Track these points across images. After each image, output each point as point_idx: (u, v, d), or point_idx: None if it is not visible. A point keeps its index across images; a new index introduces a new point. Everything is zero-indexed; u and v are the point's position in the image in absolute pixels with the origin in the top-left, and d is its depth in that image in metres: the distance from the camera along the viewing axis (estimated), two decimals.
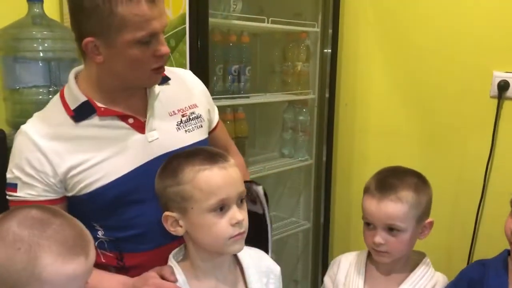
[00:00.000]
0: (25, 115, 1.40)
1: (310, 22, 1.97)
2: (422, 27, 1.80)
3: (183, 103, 1.14)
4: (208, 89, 1.26)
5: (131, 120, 1.04)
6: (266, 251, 1.14)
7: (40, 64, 1.43)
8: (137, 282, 0.97)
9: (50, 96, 1.42)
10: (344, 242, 2.20)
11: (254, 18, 1.74)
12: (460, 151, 1.78)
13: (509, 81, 1.63)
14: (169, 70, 1.15)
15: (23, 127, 1.02)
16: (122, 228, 1.05)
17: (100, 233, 1.06)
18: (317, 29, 1.99)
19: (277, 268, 1.08)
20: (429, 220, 1.16)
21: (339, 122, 2.12)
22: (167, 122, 1.09)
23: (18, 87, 1.43)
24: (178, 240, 1.02)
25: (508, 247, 1.11)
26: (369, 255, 1.22)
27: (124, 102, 1.04)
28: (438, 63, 1.78)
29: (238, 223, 0.92)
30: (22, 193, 0.99)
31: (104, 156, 1.01)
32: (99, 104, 1.02)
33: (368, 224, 1.15)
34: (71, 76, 1.06)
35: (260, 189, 1.14)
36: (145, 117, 1.06)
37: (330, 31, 1.98)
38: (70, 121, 1.01)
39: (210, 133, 1.22)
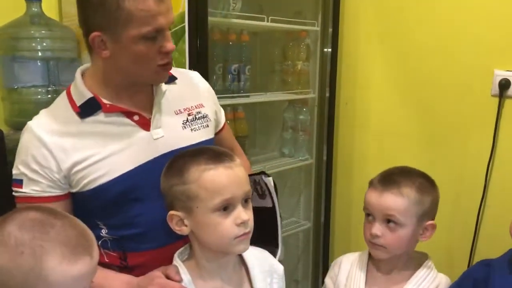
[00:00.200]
0: (23, 114, 1.42)
1: (310, 21, 1.97)
2: (423, 26, 1.80)
3: (189, 102, 1.15)
4: None
5: (136, 117, 1.05)
6: (276, 246, 1.14)
7: (39, 64, 1.42)
8: (141, 282, 0.97)
9: (49, 96, 1.43)
10: (344, 242, 2.19)
11: (253, 17, 1.74)
12: (461, 150, 1.77)
13: (510, 80, 1.62)
14: (176, 70, 1.16)
15: (29, 123, 1.03)
16: (126, 226, 1.05)
17: (103, 232, 1.06)
18: (317, 28, 1.98)
19: (280, 268, 1.09)
20: (431, 222, 1.15)
21: (339, 121, 2.11)
22: (172, 120, 1.10)
23: (16, 87, 1.42)
24: (182, 240, 1.02)
25: None
26: (370, 256, 1.21)
27: (130, 99, 1.05)
28: (439, 62, 1.77)
29: (243, 223, 0.92)
30: (27, 189, 1.00)
31: (109, 152, 1.02)
32: (105, 101, 1.03)
33: (368, 216, 1.16)
34: (78, 73, 1.07)
35: (270, 180, 1.13)
36: (151, 114, 1.07)
37: (330, 29, 1.98)
38: (76, 117, 1.02)
39: (216, 134, 1.23)
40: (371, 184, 1.17)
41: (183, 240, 1.02)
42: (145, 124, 1.06)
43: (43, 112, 1.05)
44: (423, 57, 1.81)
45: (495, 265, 1.09)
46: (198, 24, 1.45)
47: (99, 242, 1.05)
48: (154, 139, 1.06)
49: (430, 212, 1.15)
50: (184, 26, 1.44)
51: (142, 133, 1.05)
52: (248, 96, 1.83)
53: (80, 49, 1.54)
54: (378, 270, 1.19)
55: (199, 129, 1.14)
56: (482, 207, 1.73)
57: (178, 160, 0.96)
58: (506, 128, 1.66)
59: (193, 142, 1.10)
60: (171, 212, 0.95)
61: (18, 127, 1.41)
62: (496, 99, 1.66)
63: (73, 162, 0.99)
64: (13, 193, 1.02)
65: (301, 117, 2.07)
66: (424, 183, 1.14)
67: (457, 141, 1.78)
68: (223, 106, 1.32)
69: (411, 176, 1.15)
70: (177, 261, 0.99)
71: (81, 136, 1.01)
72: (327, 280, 1.28)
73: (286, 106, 2.12)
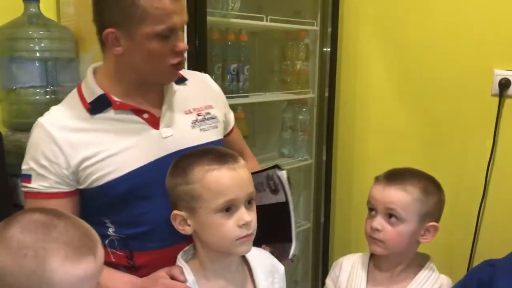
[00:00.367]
0: (22, 115, 1.41)
1: (309, 21, 1.96)
2: (422, 25, 1.79)
3: (199, 103, 1.15)
4: None
5: (146, 115, 1.06)
6: (290, 241, 1.13)
7: (37, 64, 1.42)
8: (146, 282, 0.97)
9: (47, 97, 1.42)
10: (344, 242, 2.19)
11: (252, 17, 1.73)
12: (461, 150, 1.77)
13: (510, 79, 1.62)
14: (187, 72, 1.18)
15: (40, 119, 1.03)
16: (132, 224, 1.05)
17: (110, 230, 1.06)
18: (316, 27, 1.98)
19: (281, 268, 1.09)
20: (433, 223, 1.14)
21: (339, 121, 2.11)
22: (182, 119, 1.11)
23: (14, 88, 1.42)
24: (187, 240, 1.02)
25: None
26: (371, 257, 1.21)
27: (140, 97, 1.06)
28: (439, 62, 1.77)
29: (245, 225, 0.92)
30: (35, 185, 1.00)
31: (117, 149, 1.02)
32: (115, 98, 1.04)
33: (371, 210, 1.16)
34: (89, 70, 1.07)
35: (283, 174, 1.13)
36: (161, 113, 1.07)
37: (330, 29, 1.97)
38: (86, 113, 1.03)
39: (225, 136, 1.24)
40: (377, 179, 1.18)
41: (190, 240, 1.02)
42: (154, 123, 1.06)
43: (53, 109, 1.06)
44: (423, 56, 1.81)
45: (500, 265, 1.08)
46: (197, 24, 1.44)
47: (106, 242, 1.05)
48: (163, 138, 1.06)
49: (433, 214, 1.14)
50: (183, 26, 1.43)
51: (152, 131, 1.06)
52: (247, 96, 1.82)
53: (78, 50, 1.53)
54: (380, 271, 1.19)
55: (208, 129, 1.14)
56: (482, 207, 1.73)
57: (183, 160, 0.97)
58: (506, 128, 1.66)
59: (202, 142, 1.10)
60: (175, 211, 0.95)
61: (17, 128, 1.42)
62: (496, 99, 1.65)
63: (82, 158, 1.00)
64: (22, 189, 1.03)
65: (300, 117, 2.07)
66: (429, 184, 1.15)
67: (457, 141, 1.78)
68: None
69: (418, 176, 1.15)
70: (180, 261, 0.99)
71: (91, 133, 1.01)
72: (328, 281, 1.27)
73: (285, 106, 2.11)
